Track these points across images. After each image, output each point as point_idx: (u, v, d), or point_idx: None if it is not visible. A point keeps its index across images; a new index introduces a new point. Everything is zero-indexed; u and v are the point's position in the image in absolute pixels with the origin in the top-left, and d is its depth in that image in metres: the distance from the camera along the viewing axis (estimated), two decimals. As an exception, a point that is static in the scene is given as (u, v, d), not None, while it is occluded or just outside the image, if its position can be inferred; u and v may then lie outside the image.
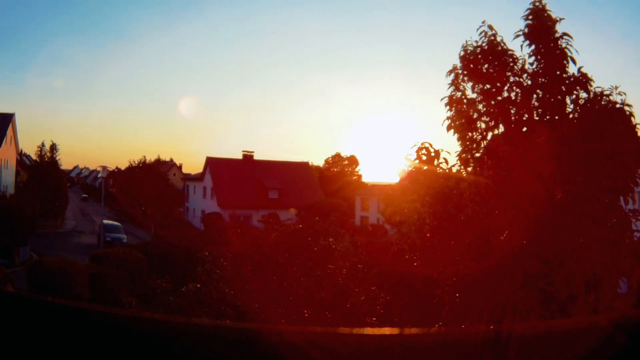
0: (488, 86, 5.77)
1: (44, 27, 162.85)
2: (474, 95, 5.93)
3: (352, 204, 60.29)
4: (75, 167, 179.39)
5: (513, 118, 5.57)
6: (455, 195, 5.73)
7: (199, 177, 59.54)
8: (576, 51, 5.50)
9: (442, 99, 6.06)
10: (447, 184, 5.73)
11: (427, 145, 5.89)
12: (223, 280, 9.87)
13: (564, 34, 5.52)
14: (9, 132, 51.02)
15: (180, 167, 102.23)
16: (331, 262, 8.58)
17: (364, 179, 79.56)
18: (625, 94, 5.32)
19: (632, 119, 5.33)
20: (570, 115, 5.44)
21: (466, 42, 5.94)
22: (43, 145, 64.62)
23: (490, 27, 5.84)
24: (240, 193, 52.44)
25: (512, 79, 5.72)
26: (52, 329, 1.42)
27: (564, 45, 5.51)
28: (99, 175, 63.39)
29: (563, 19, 5.56)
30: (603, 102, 5.29)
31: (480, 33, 5.85)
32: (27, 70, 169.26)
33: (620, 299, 5.60)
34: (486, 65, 5.78)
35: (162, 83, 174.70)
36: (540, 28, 5.48)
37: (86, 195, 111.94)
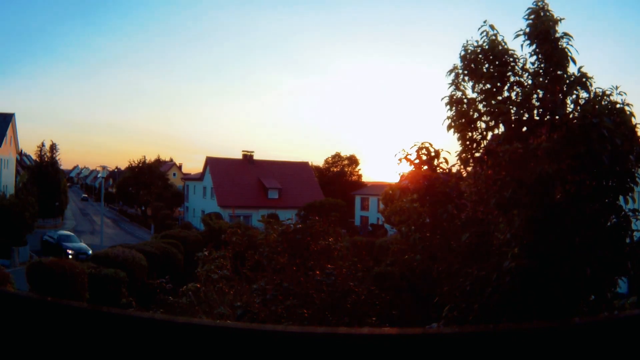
0: (488, 86, 5.76)
1: (44, 28, 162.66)
2: (474, 95, 5.92)
3: (352, 204, 60.31)
4: (75, 167, 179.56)
5: (513, 118, 5.57)
6: (455, 195, 5.73)
7: (199, 177, 59.54)
8: (577, 51, 5.50)
9: (442, 99, 6.06)
10: (447, 184, 5.73)
11: (427, 145, 5.89)
12: (223, 280, 9.86)
13: (565, 33, 5.52)
14: (9, 132, 51.01)
15: (180, 167, 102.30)
16: (331, 262, 8.57)
17: (364, 179, 79.68)
18: (625, 93, 5.32)
19: (633, 119, 5.32)
20: (571, 115, 5.43)
21: (467, 41, 5.94)
22: (43, 145, 64.77)
23: (492, 27, 5.83)
24: (240, 193, 52.44)
25: (512, 79, 5.72)
26: (52, 329, 1.42)
27: (564, 45, 5.50)
28: (99, 175, 63.37)
29: (564, 19, 5.56)
30: (604, 102, 5.28)
31: (482, 32, 5.85)
32: (27, 70, 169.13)
33: (620, 299, 5.60)
34: (487, 65, 5.77)
35: (162, 83, 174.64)
36: (541, 28, 5.47)
37: (86, 195, 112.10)
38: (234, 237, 10.41)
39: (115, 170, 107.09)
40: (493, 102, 5.65)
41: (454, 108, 5.96)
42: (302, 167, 61.12)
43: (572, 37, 5.50)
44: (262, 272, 8.97)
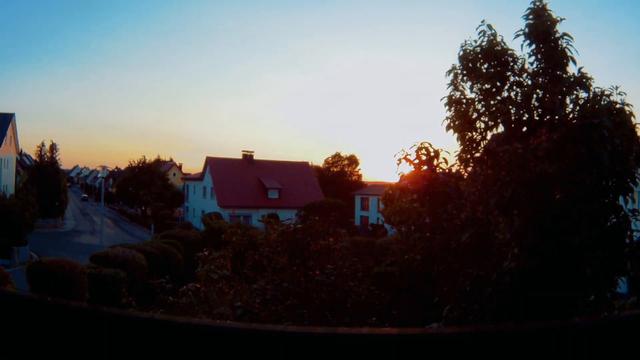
0: (487, 86, 5.76)
1: (45, 28, 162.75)
2: (473, 95, 5.92)
3: (352, 204, 60.33)
4: (75, 167, 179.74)
5: (513, 118, 5.57)
6: (455, 196, 5.73)
7: (199, 177, 59.54)
8: (576, 51, 5.50)
9: (441, 99, 6.06)
10: (447, 184, 5.73)
11: (426, 145, 5.89)
12: (223, 280, 9.86)
13: (564, 34, 5.52)
14: (9, 132, 51.06)
15: (180, 167, 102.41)
16: (331, 262, 8.57)
17: (364, 179, 79.77)
18: (625, 93, 5.33)
19: (632, 119, 5.33)
20: (571, 115, 5.43)
21: (465, 41, 5.93)
22: (43, 145, 64.78)
23: (490, 27, 5.83)
24: (240, 193, 52.45)
25: (512, 79, 5.72)
26: (52, 329, 1.42)
27: (564, 45, 5.50)
28: (99, 175, 63.38)
29: (563, 18, 5.56)
30: (603, 102, 5.28)
31: (480, 32, 5.85)
32: (27, 69, 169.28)
33: (620, 299, 5.60)
34: (486, 65, 5.77)
35: (162, 83, 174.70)
36: (541, 28, 5.47)
37: (86, 195, 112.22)
38: (234, 237, 10.41)
39: (115, 170, 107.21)
40: (493, 102, 5.65)
41: (453, 108, 5.96)
42: (302, 167, 61.11)
43: (571, 38, 5.50)
44: (262, 272, 8.97)
